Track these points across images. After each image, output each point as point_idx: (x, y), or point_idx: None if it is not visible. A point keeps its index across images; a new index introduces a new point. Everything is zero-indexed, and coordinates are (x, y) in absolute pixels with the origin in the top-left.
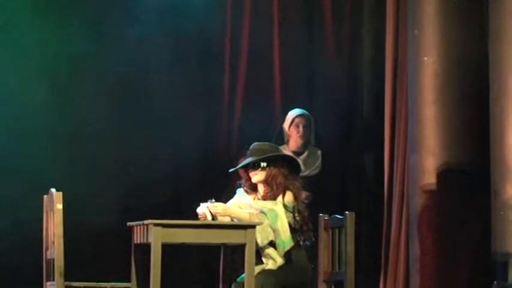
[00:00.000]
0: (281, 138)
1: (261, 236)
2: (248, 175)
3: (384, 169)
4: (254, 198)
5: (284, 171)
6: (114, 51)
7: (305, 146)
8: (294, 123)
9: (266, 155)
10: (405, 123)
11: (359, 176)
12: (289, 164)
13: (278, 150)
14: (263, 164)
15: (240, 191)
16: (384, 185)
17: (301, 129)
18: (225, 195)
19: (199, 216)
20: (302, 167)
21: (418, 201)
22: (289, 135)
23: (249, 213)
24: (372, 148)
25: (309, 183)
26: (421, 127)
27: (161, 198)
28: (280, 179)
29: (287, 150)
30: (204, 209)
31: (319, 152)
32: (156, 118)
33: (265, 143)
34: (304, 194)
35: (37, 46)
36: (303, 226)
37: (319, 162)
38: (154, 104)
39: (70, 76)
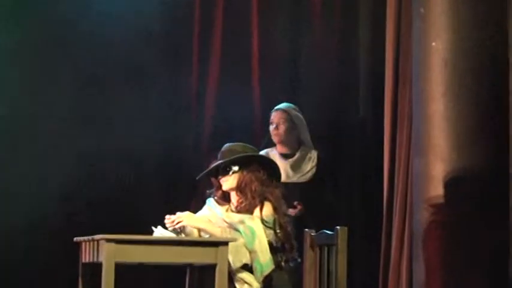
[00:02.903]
0: (271, 140)
1: (234, 258)
2: (219, 182)
3: (383, 176)
4: (227, 210)
5: (260, 176)
6: (67, 38)
7: (295, 146)
8: (270, 121)
9: (235, 156)
10: (409, 121)
11: (353, 185)
12: (267, 169)
13: (253, 151)
14: (234, 168)
15: (211, 201)
16: (382, 195)
17: (273, 126)
18: (193, 206)
19: (168, 224)
20: (290, 172)
21: (423, 215)
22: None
23: (221, 227)
24: (369, 151)
25: (296, 192)
26: (428, 126)
27: (117, 210)
28: (255, 186)
29: (276, 154)
30: (167, 223)
31: (313, 155)
32: (110, 112)
33: (238, 143)
34: (292, 210)
35: None
36: (285, 244)
37: (311, 166)
38: (109, 95)
39: (16, 66)
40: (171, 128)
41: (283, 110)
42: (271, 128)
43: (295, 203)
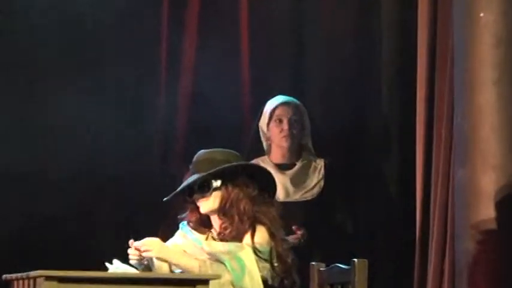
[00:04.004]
0: (258, 147)
1: None
2: (195, 203)
3: (416, 192)
4: (207, 238)
5: (250, 192)
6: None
7: (296, 153)
8: (274, 117)
9: (218, 168)
10: (449, 118)
11: (375, 203)
12: (258, 181)
13: (238, 159)
14: (215, 183)
15: (185, 226)
16: (414, 218)
17: (285, 125)
18: (161, 235)
19: (132, 254)
20: (290, 188)
21: (469, 243)
22: (270, 139)
23: (199, 260)
24: (396, 159)
25: (298, 213)
26: (475, 123)
27: (60, 240)
28: (244, 205)
29: (268, 164)
30: (131, 253)
31: (318, 164)
32: (45, 110)
33: (216, 149)
34: (297, 234)
35: None
36: (284, 280)
37: (317, 179)
38: (42, 88)
39: None
40: (130, 128)
41: (297, 106)
42: (277, 126)
43: (294, 227)
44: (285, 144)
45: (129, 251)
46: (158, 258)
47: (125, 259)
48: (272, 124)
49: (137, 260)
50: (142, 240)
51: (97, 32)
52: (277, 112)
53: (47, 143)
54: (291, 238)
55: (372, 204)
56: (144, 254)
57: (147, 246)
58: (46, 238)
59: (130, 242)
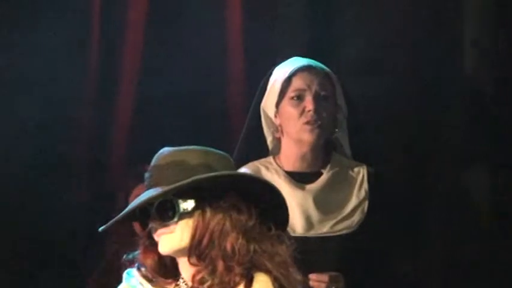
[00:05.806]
0: (257, 142)
1: None
2: (151, 237)
3: None
4: None
5: (244, 221)
6: None
7: (323, 155)
8: (289, 91)
9: (189, 180)
10: None
11: (455, 239)
12: (258, 202)
13: (224, 163)
14: (184, 205)
15: (132, 277)
16: None
17: (309, 103)
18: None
19: None
20: (313, 212)
21: None
22: (279, 130)
23: None
24: (491, 170)
25: (329, 255)
26: None
27: None
28: (233, 241)
29: (277, 172)
30: None
31: (357, 174)
32: None
33: (191, 147)
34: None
35: None
36: None
37: (358, 200)
38: None
39: None
40: (35, 111)
41: (326, 73)
42: (295, 106)
43: (326, 277)
44: (309, 135)
45: None
46: None
47: None
48: (285, 103)
49: None
50: None
51: None
52: (294, 82)
53: None
54: None
55: (449, 240)
56: None
57: None
58: None
59: None
